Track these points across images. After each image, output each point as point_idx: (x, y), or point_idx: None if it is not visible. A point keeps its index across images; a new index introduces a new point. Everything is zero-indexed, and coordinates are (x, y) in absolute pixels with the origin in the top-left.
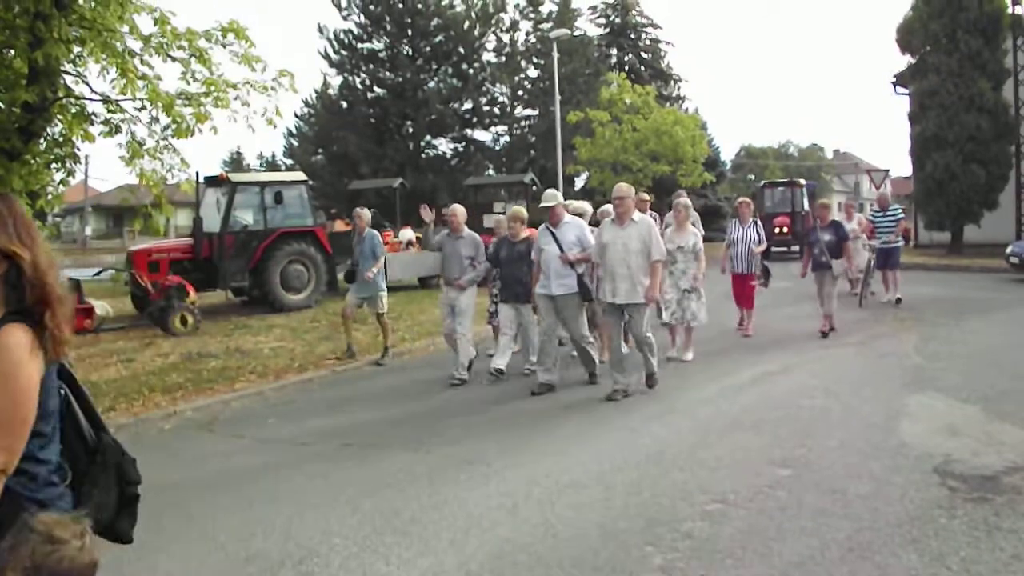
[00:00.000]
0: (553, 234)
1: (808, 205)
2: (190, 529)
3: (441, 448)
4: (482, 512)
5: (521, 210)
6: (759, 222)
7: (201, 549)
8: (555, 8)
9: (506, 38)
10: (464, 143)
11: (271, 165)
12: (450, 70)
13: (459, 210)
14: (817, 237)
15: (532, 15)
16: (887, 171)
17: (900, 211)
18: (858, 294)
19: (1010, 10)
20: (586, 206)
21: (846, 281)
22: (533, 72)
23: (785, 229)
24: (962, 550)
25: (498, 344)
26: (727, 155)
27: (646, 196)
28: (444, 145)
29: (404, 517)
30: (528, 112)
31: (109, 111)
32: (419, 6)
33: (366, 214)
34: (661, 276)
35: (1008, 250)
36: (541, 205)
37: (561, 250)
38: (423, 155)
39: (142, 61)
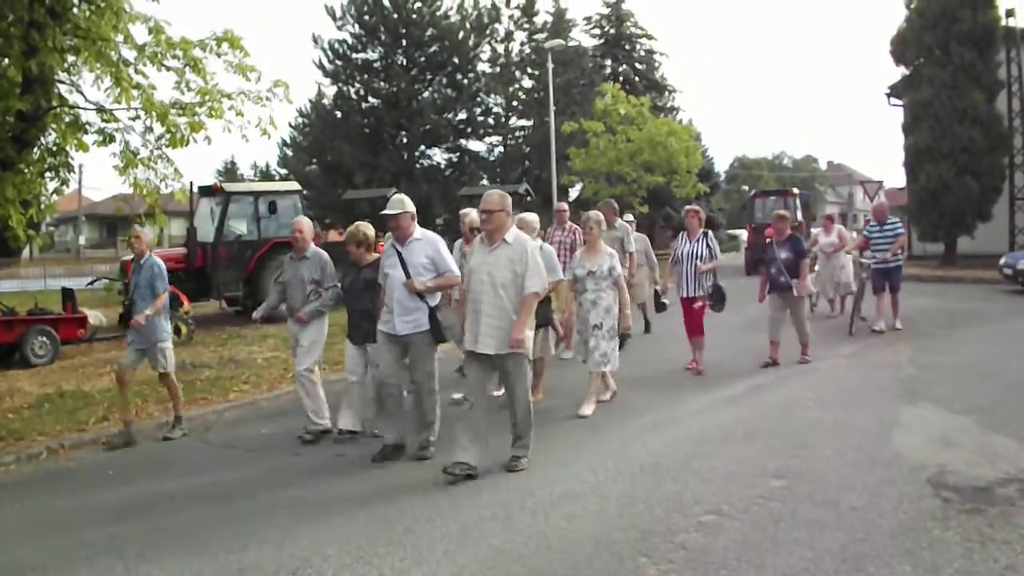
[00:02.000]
0: (399, 253)
1: (802, 215)
2: (183, 539)
3: (437, 458)
4: (476, 522)
5: (362, 230)
6: (710, 234)
7: (194, 560)
8: (550, 19)
9: (500, 48)
10: (458, 153)
11: (265, 175)
12: (444, 80)
13: (305, 224)
14: (774, 255)
15: (527, 26)
16: (881, 182)
17: (899, 225)
18: (837, 314)
19: (1003, 22)
20: (533, 220)
21: (826, 302)
22: (527, 82)
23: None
24: (956, 561)
25: (345, 396)
26: (721, 166)
27: (565, 206)
28: (438, 155)
29: (398, 527)
30: (522, 122)
31: (103, 120)
32: (414, 16)
33: (146, 236)
34: (571, 309)
35: (1001, 261)
36: (383, 213)
37: (407, 275)
38: (417, 165)
39: (136, 70)
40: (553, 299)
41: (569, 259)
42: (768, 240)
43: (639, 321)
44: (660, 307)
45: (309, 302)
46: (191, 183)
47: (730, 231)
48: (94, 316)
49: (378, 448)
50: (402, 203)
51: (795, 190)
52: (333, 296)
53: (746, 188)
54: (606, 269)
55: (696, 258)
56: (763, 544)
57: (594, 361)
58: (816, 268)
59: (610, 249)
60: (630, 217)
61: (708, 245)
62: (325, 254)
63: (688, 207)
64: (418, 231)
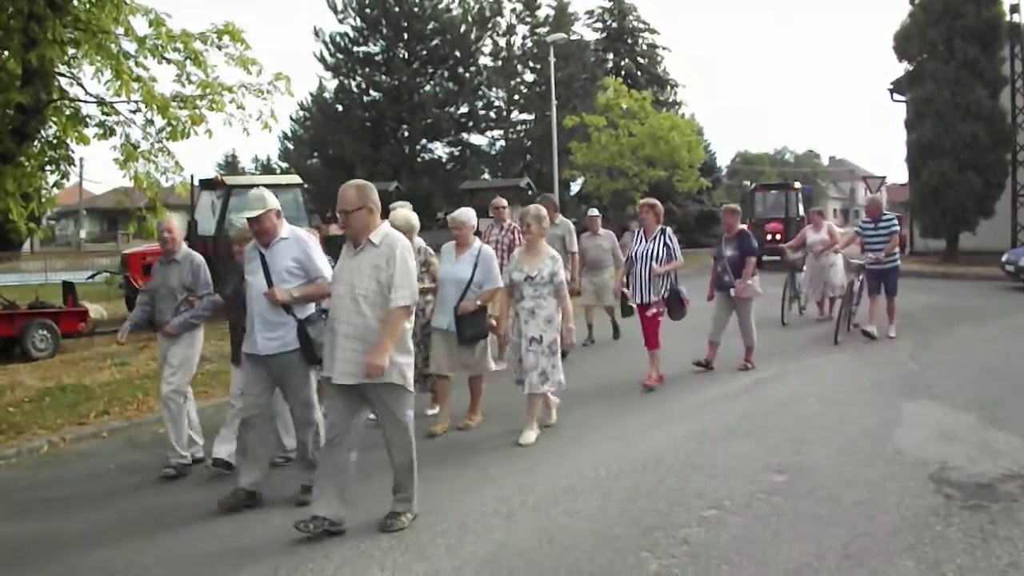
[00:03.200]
0: (262, 257)
1: (804, 210)
2: (182, 535)
3: (437, 454)
4: (477, 518)
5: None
6: (669, 231)
7: (194, 555)
8: (552, 12)
9: (502, 42)
10: (460, 147)
11: (266, 168)
12: (446, 74)
13: (174, 224)
14: (721, 252)
15: (529, 19)
16: (883, 178)
17: (895, 221)
18: (826, 317)
19: (1007, 18)
20: (411, 218)
21: (815, 305)
22: (529, 76)
23: (778, 236)
24: (958, 557)
25: (226, 424)
26: (723, 161)
27: (503, 202)
28: (440, 149)
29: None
30: (524, 116)
31: (104, 113)
32: (415, 10)
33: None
34: (505, 320)
35: (1004, 258)
36: (245, 215)
37: (269, 283)
38: (419, 159)
39: (137, 63)
40: (490, 309)
41: (507, 261)
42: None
43: (607, 327)
44: (627, 311)
45: (180, 313)
46: (192, 176)
47: None
48: (95, 310)
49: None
50: (262, 201)
51: (797, 184)
52: (209, 306)
53: (748, 183)
54: (547, 274)
55: (652, 259)
56: (765, 539)
57: (531, 382)
58: (804, 267)
59: (552, 251)
60: (594, 212)
61: (666, 244)
62: (199, 257)
63: (643, 200)
64: (286, 229)
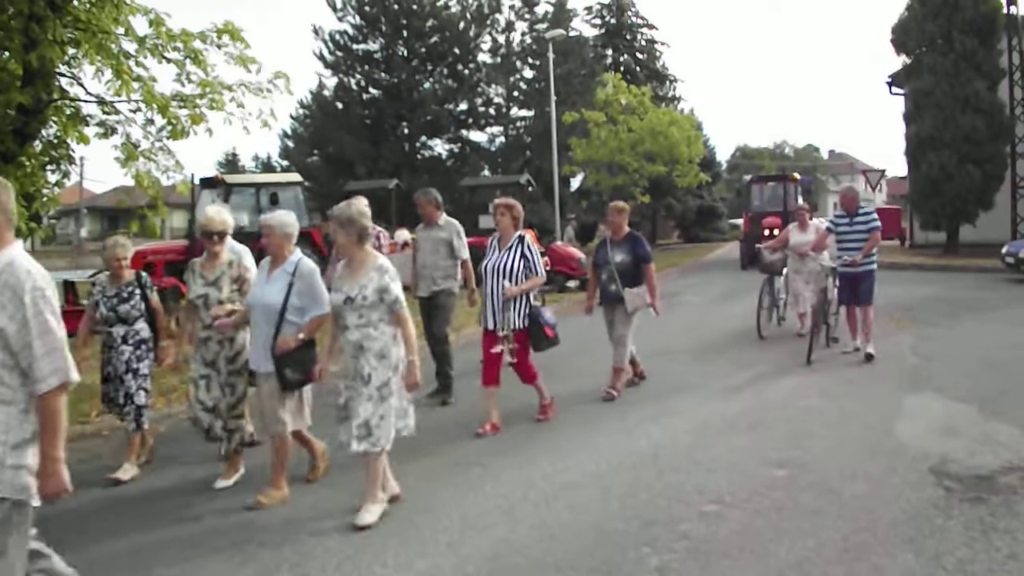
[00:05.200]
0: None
1: (804, 203)
2: (184, 532)
3: (438, 449)
4: (478, 514)
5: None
6: (528, 238)
7: (196, 552)
8: (550, 9)
9: (501, 39)
10: (460, 144)
11: (266, 166)
12: (445, 71)
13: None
14: (606, 257)
15: (527, 16)
16: (883, 171)
17: (874, 215)
18: (807, 335)
19: (1005, 10)
20: (225, 217)
21: (796, 316)
22: (529, 73)
23: (776, 231)
24: (958, 550)
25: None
26: (723, 155)
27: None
28: (440, 146)
29: (400, 519)
30: (524, 113)
31: (104, 113)
32: (414, 7)
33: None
34: (324, 356)
35: (1003, 250)
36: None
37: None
38: (418, 156)
39: (137, 63)
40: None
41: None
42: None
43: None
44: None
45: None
46: (192, 175)
47: (731, 220)
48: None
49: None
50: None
51: (796, 175)
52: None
53: (747, 177)
54: (371, 292)
55: (504, 274)
56: (766, 533)
57: (352, 433)
58: (784, 271)
59: (382, 261)
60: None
61: (524, 255)
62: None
63: (498, 200)
64: None
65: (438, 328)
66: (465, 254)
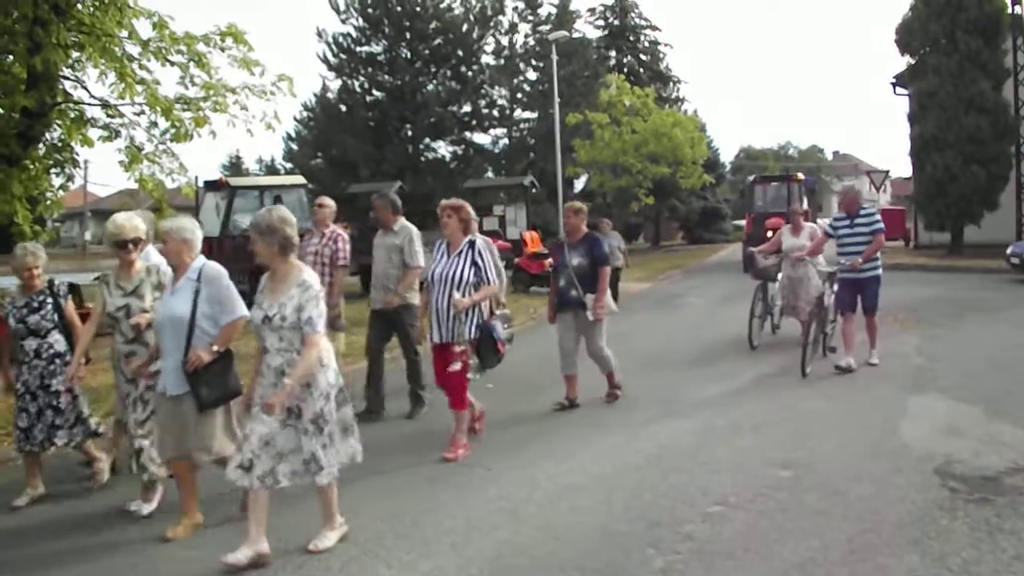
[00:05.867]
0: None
1: (808, 204)
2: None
3: (439, 452)
4: (482, 515)
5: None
6: (479, 243)
7: (198, 553)
8: (554, 10)
9: (505, 41)
10: (463, 146)
11: (270, 169)
12: (449, 73)
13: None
14: (564, 260)
15: (531, 17)
16: (887, 172)
17: (877, 216)
18: (802, 347)
19: (1010, 10)
20: (136, 224)
21: (795, 323)
22: (532, 74)
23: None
24: (963, 551)
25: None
26: (727, 156)
27: (327, 201)
28: (443, 148)
29: (404, 520)
30: (527, 114)
31: (108, 116)
32: (417, 9)
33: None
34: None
35: (1008, 251)
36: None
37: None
38: (422, 158)
39: (141, 66)
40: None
41: (332, 276)
42: (559, 243)
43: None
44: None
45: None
46: (196, 177)
47: (735, 222)
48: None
49: None
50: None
51: (800, 175)
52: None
53: (751, 178)
54: (291, 312)
55: (453, 283)
56: (770, 534)
57: (278, 474)
58: (779, 276)
59: (306, 275)
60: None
61: (475, 262)
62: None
63: (445, 202)
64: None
65: (407, 352)
66: (416, 262)
